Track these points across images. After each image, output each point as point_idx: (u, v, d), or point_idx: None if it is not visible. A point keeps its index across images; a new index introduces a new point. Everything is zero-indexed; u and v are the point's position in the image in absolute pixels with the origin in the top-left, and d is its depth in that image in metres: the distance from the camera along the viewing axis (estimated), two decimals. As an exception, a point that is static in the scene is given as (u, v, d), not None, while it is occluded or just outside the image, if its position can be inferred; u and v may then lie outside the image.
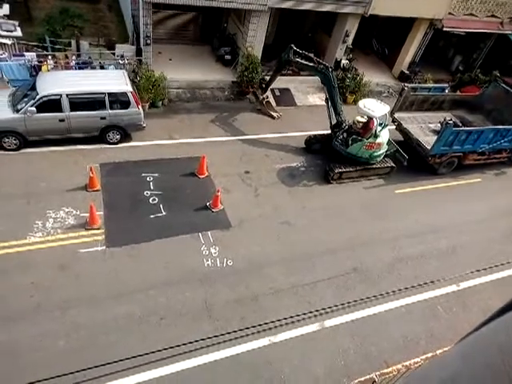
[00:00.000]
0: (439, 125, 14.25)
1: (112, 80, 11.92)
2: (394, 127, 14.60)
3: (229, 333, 7.93)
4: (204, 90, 15.89)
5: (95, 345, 7.54)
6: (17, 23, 13.55)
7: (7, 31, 12.94)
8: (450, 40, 21.25)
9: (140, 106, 11.96)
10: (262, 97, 15.48)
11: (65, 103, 10.93)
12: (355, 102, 15.93)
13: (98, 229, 9.64)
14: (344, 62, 18.01)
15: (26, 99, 10.96)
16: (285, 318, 8.55)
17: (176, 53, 17.04)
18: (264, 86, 15.16)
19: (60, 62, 13.73)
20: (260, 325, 8.27)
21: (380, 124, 12.46)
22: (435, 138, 13.17)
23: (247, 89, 15.94)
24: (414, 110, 15.03)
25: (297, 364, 8.00)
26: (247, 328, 8.05)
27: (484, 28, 18.82)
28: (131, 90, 11.69)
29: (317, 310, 8.91)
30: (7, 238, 8.96)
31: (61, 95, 10.87)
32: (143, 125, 12.30)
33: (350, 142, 12.59)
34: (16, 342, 7.32)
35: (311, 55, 13.16)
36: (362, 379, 7.94)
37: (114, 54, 14.71)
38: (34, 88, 11.10)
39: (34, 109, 10.68)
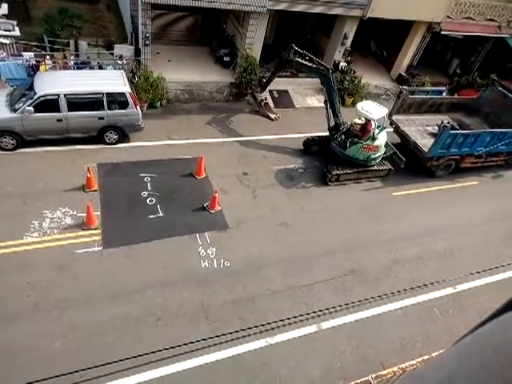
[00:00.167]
0: (437, 128, 14.32)
1: (110, 80, 11.91)
2: (392, 130, 14.65)
3: (225, 334, 7.91)
4: (202, 91, 15.89)
5: (92, 345, 7.51)
6: (15, 23, 13.54)
7: (5, 31, 12.91)
8: (447, 43, 21.36)
9: (138, 107, 11.95)
10: (260, 98, 15.51)
11: (62, 103, 10.91)
12: (353, 104, 15.98)
13: (95, 229, 9.62)
14: (342, 64, 18.07)
15: (23, 99, 10.93)
16: (282, 320, 8.54)
17: (175, 53, 17.05)
18: (263, 84, 15.13)
19: (58, 62, 13.72)
20: (257, 326, 8.25)
21: (378, 126, 12.50)
22: (433, 140, 13.22)
23: (246, 90, 15.96)
24: (411, 113, 15.09)
25: (293, 365, 8.00)
26: (244, 329, 8.04)
27: (482, 31, 18.94)
28: (129, 90, 11.68)
29: (314, 312, 8.91)
30: (4, 238, 8.92)
31: (58, 95, 10.85)
32: (141, 125, 12.29)
33: (347, 144, 12.62)
34: (12, 342, 7.28)
35: (312, 56, 13.09)
36: (359, 381, 7.94)
37: (112, 54, 14.70)
38: (31, 88, 11.08)
39: (31, 108, 10.66)
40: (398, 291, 9.84)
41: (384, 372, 8.14)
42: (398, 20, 17.55)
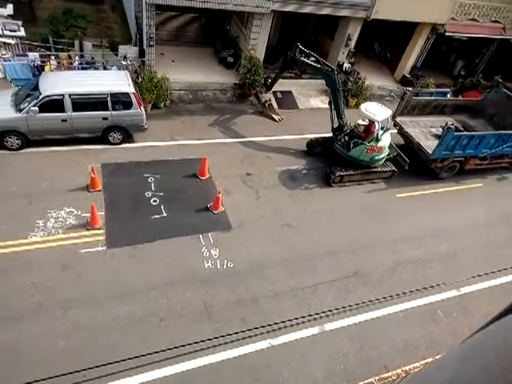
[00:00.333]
0: (441, 129, 14.27)
1: (114, 81, 11.95)
2: (396, 131, 14.62)
3: (228, 335, 7.92)
4: (206, 91, 15.93)
5: (96, 345, 7.54)
6: (20, 23, 13.64)
7: (11, 31, 13.01)
8: (452, 45, 21.29)
9: (142, 107, 11.99)
10: (264, 99, 15.51)
11: (67, 103, 10.97)
12: (357, 105, 15.96)
13: (99, 229, 9.65)
14: (346, 65, 18.05)
15: (28, 99, 10.99)
16: (284, 321, 8.53)
17: (179, 54, 17.09)
18: (269, 84, 14.98)
19: (63, 63, 13.80)
20: (260, 327, 8.25)
21: (381, 128, 12.48)
22: (437, 142, 13.18)
23: (249, 91, 15.98)
24: (415, 115, 15.04)
25: (296, 367, 7.99)
26: (247, 330, 8.04)
27: (486, 33, 18.87)
28: (133, 90, 11.72)
29: (317, 313, 8.90)
30: (9, 238, 8.97)
31: (63, 95, 10.90)
32: (145, 126, 12.33)
33: (351, 146, 12.60)
34: (16, 342, 7.32)
35: (317, 56, 12.97)
36: (362, 383, 7.94)
37: (116, 54, 14.77)
38: (36, 88, 11.14)
39: (36, 108, 10.72)
40: (404, 293, 9.80)
41: (387, 374, 8.15)
42: (402, 21, 17.52)
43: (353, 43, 17.74)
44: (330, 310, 9.01)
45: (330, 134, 13.60)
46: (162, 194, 11.01)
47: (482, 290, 10.55)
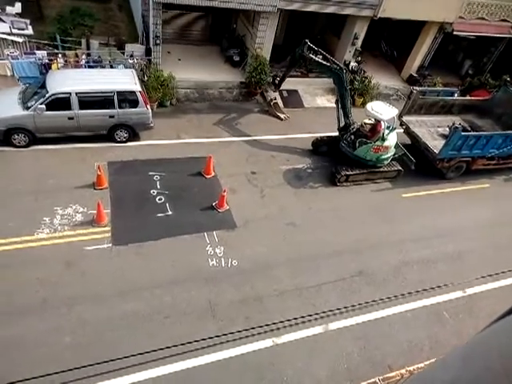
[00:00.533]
0: (448, 129, 14.16)
1: (121, 79, 12.01)
2: (402, 130, 14.53)
3: (232, 333, 7.93)
4: (212, 90, 15.95)
5: (101, 341, 7.59)
6: (28, 21, 13.73)
7: (19, 29, 13.10)
8: (459, 44, 21.11)
9: (148, 106, 12.03)
10: (269, 98, 15.49)
11: (74, 101, 11.04)
12: (363, 104, 15.87)
13: (105, 226, 9.71)
14: (353, 64, 17.97)
15: (36, 97, 11.09)
16: (289, 320, 8.54)
17: (185, 53, 17.12)
18: (277, 82, 14.74)
19: (70, 61, 13.88)
20: (264, 326, 8.26)
21: (388, 127, 12.41)
22: (443, 142, 13.09)
23: (255, 90, 15.97)
24: (422, 114, 14.94)
25: (300, 366, 7.99)
26: (251, 328, 8.05)
27: (494, 32, 18.68)
28: (140, 89, 11.76)
29: (322, 313, 8.88)
30: (15, 234, 9.05)
31: (70, 93, 10.97)
32: (151, 124, 12.37)
33: (357, 145, 12.55)
34: (22, 337, 7.39)
35: (326, 54, 12.79)
36: (365, 383, 7.91)
37: (123, 53, 14.82)
38: (44, 86, 11.22)
39: (43, 106, 10.80)
40: (410, 293, 9.75)
41: (391, 374, 8.11)
42: (410, 20, 17.40)
43: (359, 42, 17.65)
44: (335, 310, 8.98)
45: (336, 133, 13.56)
46: (167, 192, 11.05)
47: (487, 291, 10.46)
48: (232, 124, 14.59)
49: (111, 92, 11.36)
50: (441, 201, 13.22)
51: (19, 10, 14.60)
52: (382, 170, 13.11)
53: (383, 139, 12.32)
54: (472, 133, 13.69)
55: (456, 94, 15.72)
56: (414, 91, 14.18)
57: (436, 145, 13.42)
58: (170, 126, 13.56)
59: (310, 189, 12.47)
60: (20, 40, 12.99)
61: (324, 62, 12.63)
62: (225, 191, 10.87)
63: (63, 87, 11.02)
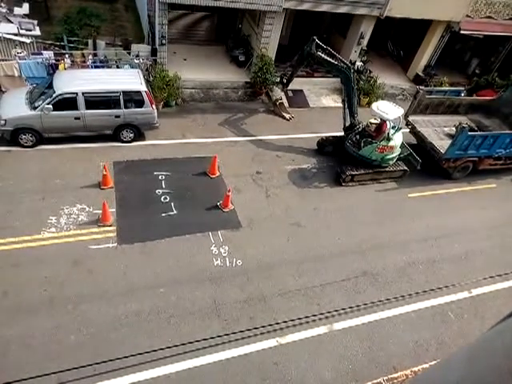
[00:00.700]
0: (454, 129, 14.06)
1: (127, 79, 12.07)
2: (408, 130, 14.46)
3: (236, 332, 7.95)
4: (217, 90, 15.97)
5: (105, 340, 7.64)
6: (36, 22, 13.82)
7: (26, 30, 13.20)
8: (467, 43, 20.94)
9: (154, 105, 12.08)
10: (275, 98, 15.47)
11: (80, 101, 11.11)
12: (369, 104, 15.81)
13: (110, 226, 9.77)
14: (358, 63, 17.90)
15: (43, 97, 11.17)
16: (293, 320, 8.54)
17: (190, 53, 17.16)
18: (285, 81, 14.43)
19: (77, 61, 13.96)
20: (268, 325, 8.26)
21: (393, 127, 12.35)
22: (450, 142, 13.00)
23: (260, 90, 15.96)
24: (428, 114, 14.85)
25: (304, 366, 7.98)
26: (255, 328, 8.06)
27: (502, 31, 18.50)
28: (145, 89, 11.81)
29: (326, 313, 8.87)
30: (22, 233, 9.14)
31: (77, 93, 11.05)
32: (157, 124, 12.42)
33: (362, 144, 12.51)
34: (30, 335, 7.46)
35: (334, 52, 12.66)
36: (370, 383, 7.89)
37: (129, 53, 14.89)
38: (50, 86, 11.30)
39: (50, 106, 10.88)
40: (415, 293, 9.71)
41: (396, 375, 8.09)
42: (416, 19, 17.29)
43: (365, 41, 17.58)
44: (339, 310, 8.96)
45: (341, 133, 13.52)
46: (172, 191, 11.09)
47: (493, 292, 10.39)
48: (237, 124, 14.60)
49: (117, 92, 11.42)
50: (447, 201, 13.14)
51: (27, 11, 14.72)
52: (387, 169, 13.05)
53: (388, 139, 12.27)
54: (479, 132, 13.59)
55: (462, 94, 15.60)
56: (421, 91, 14.10)
57: (442, 145, 13.34)
58: (175, 126, 13.60)
59: (315, 189, 12.45)
60: (27, 41, 13.08)
61: (332, 61, 12.49)
62: (230, 191, 10.88)
63: (70, 87, 11.10)
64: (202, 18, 17.77)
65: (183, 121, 14.06)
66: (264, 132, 14.32)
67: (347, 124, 13.25)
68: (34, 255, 8.78)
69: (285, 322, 8.41)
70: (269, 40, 15.80)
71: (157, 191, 11.02)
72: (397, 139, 12.50)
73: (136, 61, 14.24)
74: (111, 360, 6.65)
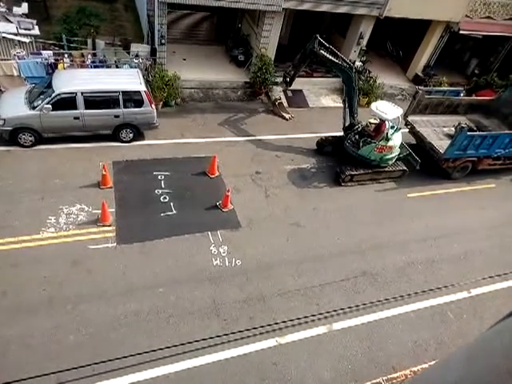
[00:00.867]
0: (453, 129, 14.08)
1: (126, 79, 12.05)
2: (407, 130, 14.47)
3: (236, 332, 7.94)
4: (217, 90, 15.97)
5: (104, 340, 7.63)
6: (35, 22, 13.80)
7: (25, 29, 13.18)
8: (466, 43, 20.96)
9: (153, 105, 12.07)
10: (274, 98, 15.47)
11: (79, 101, 11.10)
12: (368, 104, 15.83)
13: (110, 225, 9.76)
14: (358, 63, 17.90)
15: (42, 96, 11.17)
16: (293, 320, 8.53)
17: (190, 53, 17.16)
18: (289, 79, 14.17)
19: (76, 61, 13.95)
20: (267, 325, 8.26)
21: (392, 127, 12.35)
22: (449, 142, 13.01)
23: (260, 90, 15.96)
24: (427, 114, 14.86)
25: (303, 366, 7.98)
26: (255, 328, 8.06)
27: (502, 31, 18.52)
28: (145, 89, 11.80)
29: (326, 313, 8.87)
30: (21, 233, 9.13)
31: (76, 93, 11.04)
32: (156, 124, 12.42)
33: (361, 144, 12.52)
34: (29, 335, 7.45)
35: (336, 51, 12.54)
36: (369, 383, 7.90)
37: (129, 53, 14.88)
38: (50, 86, 11.29)
39: (49, 106, 10.87)
40: (414, 293, 9.71)
41: (395, 375, 8.10)
42: (415, 19, 17.30)
43: (365, 41, 17.58)
44: (338, 310, 8.97)
45: (341, 133, 13.52)
46: (171, 191, 11.09)
47: (493, 292, 10.40)
48: (236, 124, 14.60)
49: (116, 92, 11.41)
50: (446, 201, 13.15)
51: (26, 11, 14.69)
52: (386, 169, 13.06)
53: (387, 139, 12.27)
54: (478, 133, 13.60)
55: (462, 94, 15.62)
56: (420, 91, 14.11)
57: (441, 145, 13.35)
58: (175, 126, 13.60)
59: (315, 189, 12.46)
60: (26, 40, 13.06)
61: (334, 59, 12.38)
62: (229, 191, 10.88)
63: (69, 87, 11.09)
64: (202, 18, 17.76)
65: (183, 121, 14.05)
66: (263, 132, 14.32)
67: (347, 124, 13.25)
68: (33, 255, 8.77)
69: (284, 322, 8.41)
70: (268, 40, 15.81)
71: (156, 191, 11.02)
72: (396, 139, 12.50)
73: (135, 60, 14.23)
74: (110, 360, 6.64)
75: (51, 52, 13.64)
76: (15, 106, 11.07)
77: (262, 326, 8.17)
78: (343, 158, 13.14)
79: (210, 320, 8.36)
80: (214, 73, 16.22)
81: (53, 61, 13.33)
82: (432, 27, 18.39)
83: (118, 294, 8.42)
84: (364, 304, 9.20)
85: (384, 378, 8.03)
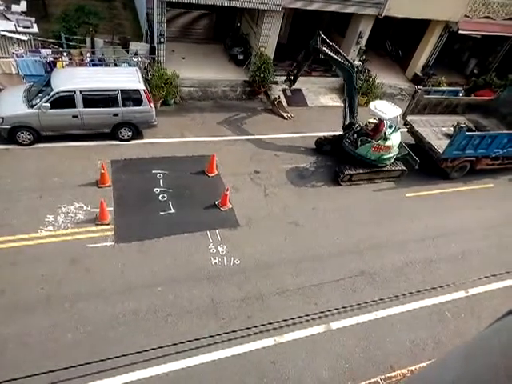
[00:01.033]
0: (452, 128, 14.10)
1: (125, 77, 12.03)
2: (406, 130, 14.48)
3: (234, 331, 7.94)
4: (216, 88, 15.95)
5: (102, 338, 7.63)
6: (33, 20, 13.75)
7: (24, 28, 13.14)
8: (465, 43, 20.99)
9: (152, 104, 12.05)
10: (273, 97, 15.46)
11: (78, 99, 11.08)
12: (367, 103, 15.81)
13: (108, 224, 9.74)
14: (357, 63, 17.88)
15: (40, 95, 11.14)
16: (291, 319, 8.54)
17: (189, 51, 17.13)
18: (292, 77, 14.04)
19: (75, 59, 13.91)
20: (266, 324, 8.26)
21: (390, 127, 12.35)
22: (448, 141, 13.03)
23: (259, 89, 15.95)
24: (426, 114, 14.87)
25: (302, 365, 7.99)
26: (253, 327, 8.06)
27: (501, 31, 18.54)
28: (144, 87, 11.78)
29: (324, 312, 8.87)
30: (19, 231, 9.11)
31: (74, 91, 11.01)
32: (155, 122, 12.40)
33: (359, 143, 12.53)
34: (27, 333, 7.44)
35: (338, 49, 12.49)
36: (367, 382, 7.92)
37: (127, 51, 14.84)
38: (48, 84, 11.26)
39: (48, 104, 10.84)
40: (411, 293, 9.73)
41: (393, 374, 8.11)
42: (415, 19, 17.31)
43: (364, 41, 17.59)
44: (337, 309, 8.98)
45: (340, 132, 13.53)
46: (170, 190, 11.08)
47: (490, 292, 10.42)
48: (235, 123, 14.59)
49: (115, 90, 11.39)
50: (444, 201, 13.17)
51: (24, 9, 14.63)
52: (385, 169, 13.07)
53: (385, 139, 12.28)
54: (477, 132, 13.62)
55: (461, 94, 15.64)
56: (419, 91, 14.12)
57: (440, 144, 13.36)
58: (174, 125, 13.58)
59: (314, 188, 12.46)
60: (25, 38, 13.02)
61: (337, 57, 12.30)
62: (228, 190, 10.88)
63: (68, 85, 11.07)
64: (201, 17, 17.74)
65: (181, 119, 14.04)
66: (262, 131, 14.31)
67: (347, 123, 13.25)
68: (32, 253, 8.76)
69: (282, 321, 8.42)
70: (267, 39, 15.80)
71: (155, 190, 11.01)
72: (394, 139, 12.51)
73: (134, 59, 14.20)
74: (109, 358, 6.64)
75: (50, 50, 13.60)
76: (14, 105, 11.03)
77: (260, 325, 8.18)
78: (342, 158, 13.14)
79: (208, 319, 8.36)
80: (213, 71, 16.20)
81: (51, 59, 13.29)
82: (431, 27, 18.41)
83: (117, 293, 8.41)
84: (362, 303, 9.21)
85: (382, 377, 8.05)
